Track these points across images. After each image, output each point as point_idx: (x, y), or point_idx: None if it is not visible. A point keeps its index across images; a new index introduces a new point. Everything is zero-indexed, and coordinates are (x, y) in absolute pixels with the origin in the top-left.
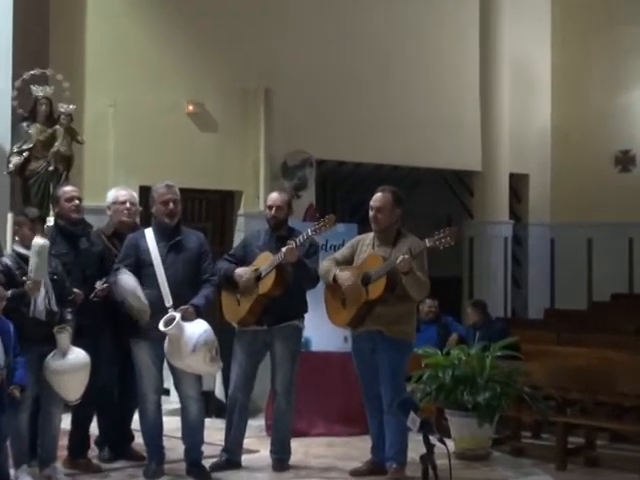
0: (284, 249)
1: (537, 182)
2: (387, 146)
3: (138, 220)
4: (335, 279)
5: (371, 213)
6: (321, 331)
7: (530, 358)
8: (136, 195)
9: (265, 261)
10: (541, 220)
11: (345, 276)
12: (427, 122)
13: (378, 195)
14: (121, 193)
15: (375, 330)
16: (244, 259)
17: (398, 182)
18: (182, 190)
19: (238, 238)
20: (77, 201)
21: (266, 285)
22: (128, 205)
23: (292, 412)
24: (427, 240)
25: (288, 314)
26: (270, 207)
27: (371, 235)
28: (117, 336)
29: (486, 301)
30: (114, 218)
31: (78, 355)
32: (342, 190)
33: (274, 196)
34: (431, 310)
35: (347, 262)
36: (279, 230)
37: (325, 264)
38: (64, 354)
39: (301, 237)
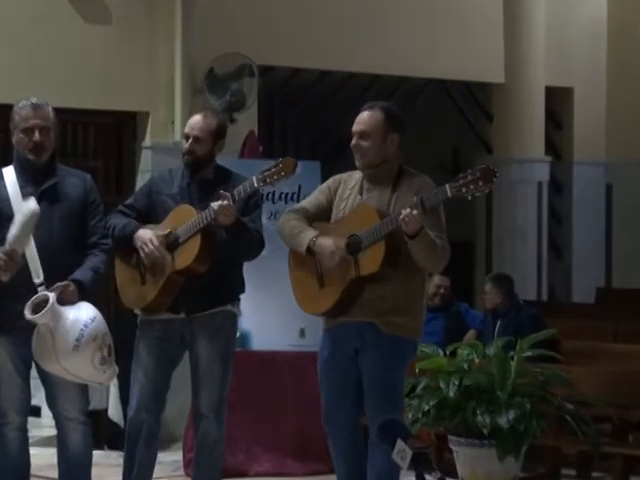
0: (215, 205)
1: (586, 100)
2: (364, 46)
3: None
4: (311, 249)
5: (354, 142)
6: (266, 320)
7: (575, 360)
8: None
9: (183, 219)
10: (592, 156)
11: (328, 245)
12: (424, 12)
13: (363, 114)
14: None
15: (364, 322)
16: (149, 212)
17: (383, 100)
18: (59, 111)
19: (143, 182)
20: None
21: (185, 257)
22: None
23: (223, 441)
24: (448, 186)
25: (217, 297)
26: (187, 136)
27: (357, 175)
28: None
29: (512, 277)
30: None
31: None
32: (297, 111)
33: (195, 120)
34: (439, 292)
35: (323, 215)
36: (200, 171)
37: (291, 221)
38: None
39: (242, 189)
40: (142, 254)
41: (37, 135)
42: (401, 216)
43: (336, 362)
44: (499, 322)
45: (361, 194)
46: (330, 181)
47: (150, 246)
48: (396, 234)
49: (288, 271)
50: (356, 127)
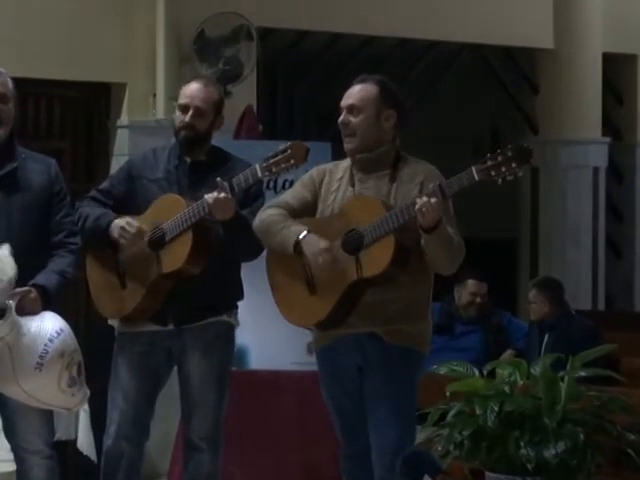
0: (209, 198)
1: None
2: (386, 5)
3: None
4: (299, 247)
5: (342, 118)
6: (266, 334)
7: (638, 382)
8: None
9: (169, 212)
10: None
11: (318, 246)
12: None
13: (354, 88)
14: None
15: (365, 333)
16: (127, 201)
17: (407, 69)
18: (18, 82)
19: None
20: None
21: (175, 258)
22: None
23: (218, 477)
24: (474, 168)
25: (210, 304)
26: (185, 107)
27: (346, 163)
28: None
29: (562, 282)
30: None
31: None
32: (304, 82)
33: (194, 89)
34: (475, 300)
35: (308, 212)
36: (194, 151)
37: (274, 216)
38: None
39: (242, 179)
40: (123, 242)
41: None
42: (417, 205)
43: (339, 383)
44: (547, 336)
45: (352, 185)
46: (314, 172)
47: (131, 229)
48: (405, 228)
49: (267, 274)
50: (344, 101)
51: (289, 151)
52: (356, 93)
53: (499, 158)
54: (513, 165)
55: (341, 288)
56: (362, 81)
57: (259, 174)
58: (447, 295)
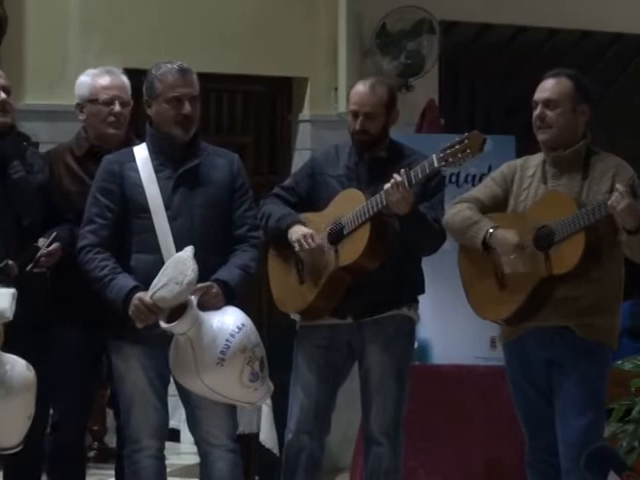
0: (388, 187)
1: None
2: None
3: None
4: (487, 242)
5: (538, 112)
6: (449, 328)
7: None
8: (128, 83)
9: (350, 206)
10: None
11: (511, 240)
12: None
13: (547, 82)
14: (103, 82)
15: (557, 327)
16: (310, 197)
17: (590, 62)
18: (201, 77)
19: (301, 162)
20: (2, 94)
21: (351, 251)
22: (117, 107)
23: (399, 472)
24: None
25: (390, 298)
26: (355, 113)
27: (537, 159)
28: (85, 335)
29: None
30: (91, 127)
31: (16, 367)
32: (487, 76)
33: (361, 94)
34: None
35: (498, 209)
36: (372, 150)
37: (462, 211)
38: None
39: (419, 169)
40: (297, 248)
41: (188, 107)
42: (611, 199)
43: (530, 379)
44: None
45: (545, 182)
46: (504, 168)
47: (310, 242)
48: (597, 225)
49: (459, 269)
50: (540, 95)
51: (466, 141)
52: (552, 87)
53: None
54: None
55: (531, 284)
56: (555, 75)
57: (435, 164)
58: (635, 293)
